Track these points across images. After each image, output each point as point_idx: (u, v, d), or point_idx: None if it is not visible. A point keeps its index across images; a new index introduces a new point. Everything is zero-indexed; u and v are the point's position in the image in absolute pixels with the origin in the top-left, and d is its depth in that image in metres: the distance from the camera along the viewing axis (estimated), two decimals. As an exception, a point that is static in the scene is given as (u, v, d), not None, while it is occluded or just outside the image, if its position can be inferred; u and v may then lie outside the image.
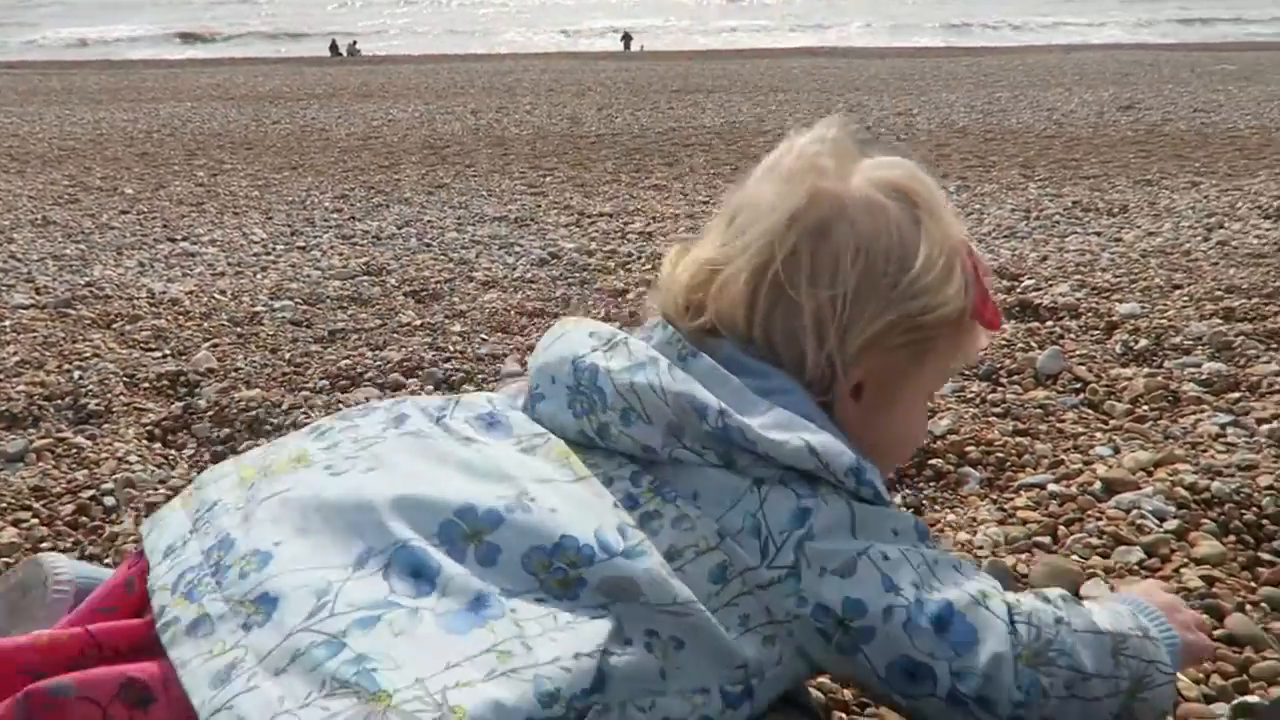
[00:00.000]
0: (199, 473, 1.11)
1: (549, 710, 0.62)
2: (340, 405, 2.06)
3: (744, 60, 17.54)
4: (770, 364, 0.84)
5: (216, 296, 3.13)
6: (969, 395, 2.02)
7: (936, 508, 1.56)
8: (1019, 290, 2.93)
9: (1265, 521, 1.38)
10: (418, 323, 2.78)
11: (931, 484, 1.64)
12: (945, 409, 1.90)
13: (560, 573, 0.70)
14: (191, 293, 3.16)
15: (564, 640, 0.66)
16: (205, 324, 2.78)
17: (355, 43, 23.52)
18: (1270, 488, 1.44)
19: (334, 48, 22.87)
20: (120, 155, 6.99)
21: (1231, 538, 1.36)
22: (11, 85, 15.42)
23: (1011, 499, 1.51)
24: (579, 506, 0.74)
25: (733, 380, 0.81)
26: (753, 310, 0.84)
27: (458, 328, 2.71)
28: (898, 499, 1.60)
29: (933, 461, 1.68)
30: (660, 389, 0.79)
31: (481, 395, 0.89)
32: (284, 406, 2.02)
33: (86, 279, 3.35)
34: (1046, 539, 1.37)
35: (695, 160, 6.58)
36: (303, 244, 4.06)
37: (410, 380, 2.24)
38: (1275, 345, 2.25)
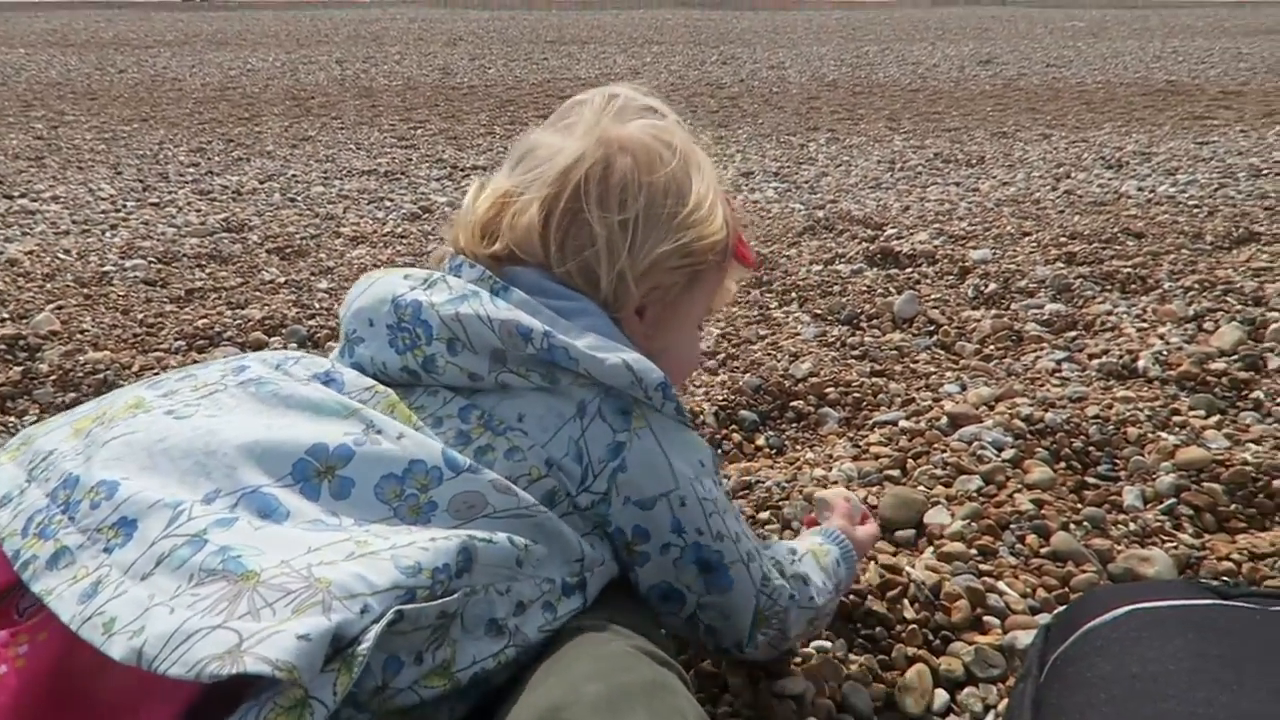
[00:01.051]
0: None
1: (414, 579, 0.66)
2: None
3: (618, 11, 17.38)
4: (571, 288, 0.91)
5: (60, 256, 2.94)
6: (830, 339, 2.10)
7: (798, 447, 1.63)
8: (881, 239, 3.04)
9: (1091, 448, 1.49)
10: (281, 280, 2.69)
11: (793, 425, 1.71)
12: (807, 353, 1.97)
13: (412, 498, 0.74)
14: (32, 253, 2.97)
15: (420, 536, 0.70)
16: (48, 285, 2.62)
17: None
18: (1096, 417, 1.56)
19: (186, -9, 21.50)
20: (-55, 106, 6.44)
21: (1061, 464, 1.46)
22: None
23: (866, 436, 1.59)
24: (420, 439, 0.78)
25: (544, 310, 0.87)
26: (547, 235, 0.91)
27: (324, 285, 2.64)
28: (761, 440, 1.66)
29: (794, 403, 1.74)
30: (486, 318, 0.83)
31: (321, 356, 0.90)
32: (134, 368, 1.93)
33: (-90, 240, 3.09)
34: (896, 472, 1.44)
35: (570, 112, 6.52)
36: (156, 200, 3.85)
37: (273, 339, 2.17)
38: (1109, 286, 2.41)
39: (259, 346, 2.12)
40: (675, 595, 0.87)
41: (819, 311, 2.31)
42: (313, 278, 2.72)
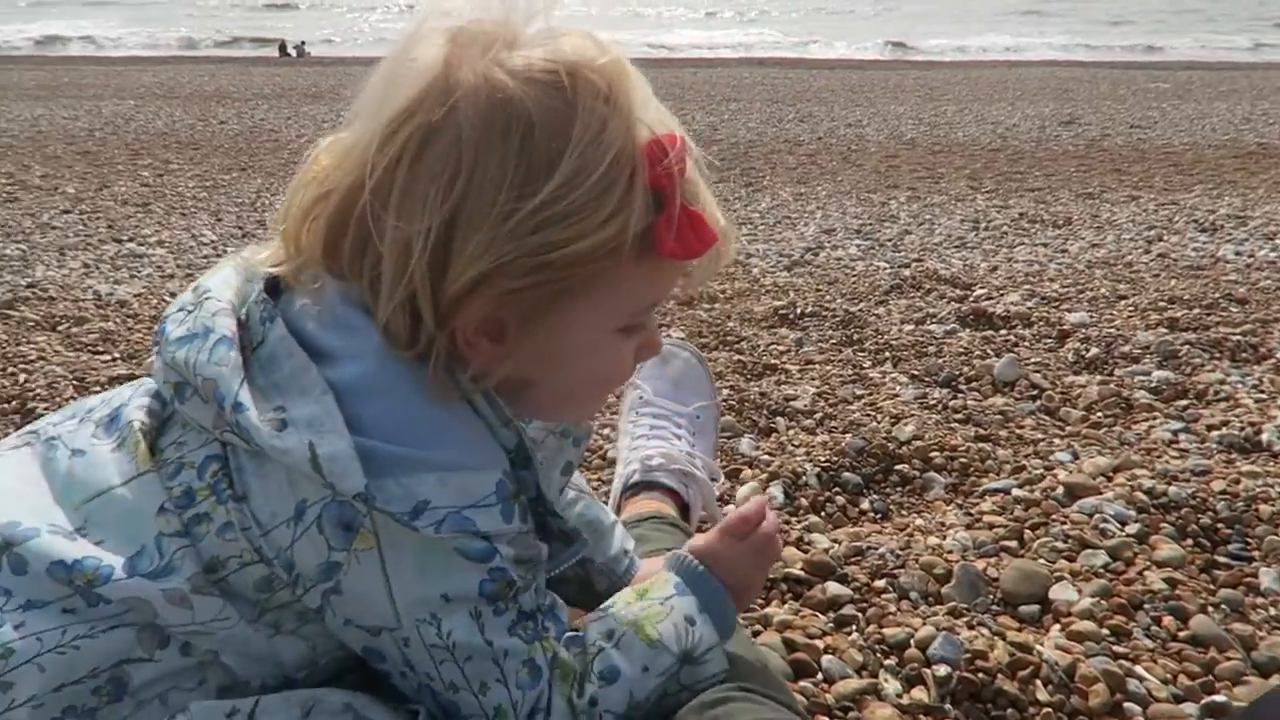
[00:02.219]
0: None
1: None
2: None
3: (695, 69, 17.61)
4: (364, 312, 0.73)
5: (166, 299, 3.05)
6: (931, 402, 2.06)
7: (904, 512, 1.59)
8: (971, 299, 2.99)
9: (1220, 525, 1.43)
10: (376, 327, 2.75)
11: (898, 489, 1.67)
12: (909, 415, 1.93)
13: (82, 588, 0.71)
14: (140, 295, 3.09)
15: (60, 663, 0.69)
16: (156, 327, 2.71)
17: (303, 43, 23.15)
18: (1224, 493, 1.49)
19: (282, 48, 22.52)
20: (60, 154, 6.79)
21: (1189, 541, 1.40)
22: (-59, 79, 14.89)
23: (977, 504, 1.54)
24: (121, 522, 0.73)
25: (297, 356, 0.71)
26: (339, 242, 0.72)
27: (418, 332, 2.68)
28: (865, 504, 1.62)
29: (899, 467, 1.70)
30: (194, 368, 0.72)
31: (127, 389, 0.84)
32: (243, 412, 1.98)
33: (28, 280, 3.24)
34: (1013, 543, 1.39)
35: (650, 167, 6.61)
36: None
37: (372, 385, 2.20)
38: (1218, 354, 2.33)
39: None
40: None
41: (916, 372, 2.26)
42: (406, 325, 2.77)
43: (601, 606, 0.84)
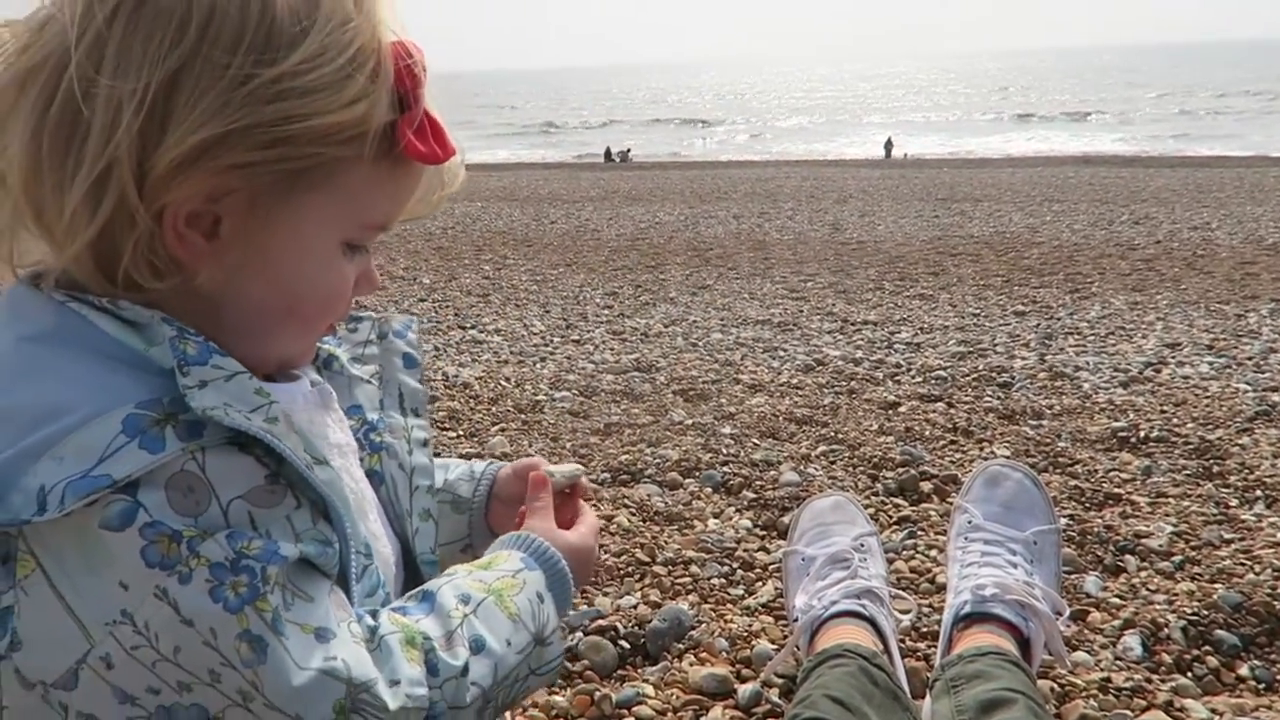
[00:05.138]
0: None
1: None
2: (624, 500, 2.10)
3: (1014, 169, 16.88)
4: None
5: (502, 383, 3.33)
6: (1326, 555, 1.75)
7: (1297, 688, 1.34)
8: (1371, 436, 2.54)
9: None
10: (688, 422, 2.82)
11: (1288, 658, 1.42)
12: (1298, 569, 1.65)
13: None
14: (480, 378, 3.39)
15: None
16: (493, 408, 2.96)
17: (629, 149, 25.08)
18: None
19: (608, 154, 24.52)
20: (420, 249, 7.75)
21: None
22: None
23: (1402, 690, 1.27)
24: None
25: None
26: (37, 152, 0.61)
27: (728, 430, 2.72)
28: (1244, 669, 1.38)
29: (1289, 631, 1.45)
30: None
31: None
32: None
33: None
34: None
35: (963, 270, 6.35)
36: (577, 337, 4.27)
37: (688, 480, 2.25)
38: None
39: (675, 487, 2.21)
40: None
41: (1301, 518, 1.94)
42: (716, 422, 2.81)
43: (445, 572, 0.77)
